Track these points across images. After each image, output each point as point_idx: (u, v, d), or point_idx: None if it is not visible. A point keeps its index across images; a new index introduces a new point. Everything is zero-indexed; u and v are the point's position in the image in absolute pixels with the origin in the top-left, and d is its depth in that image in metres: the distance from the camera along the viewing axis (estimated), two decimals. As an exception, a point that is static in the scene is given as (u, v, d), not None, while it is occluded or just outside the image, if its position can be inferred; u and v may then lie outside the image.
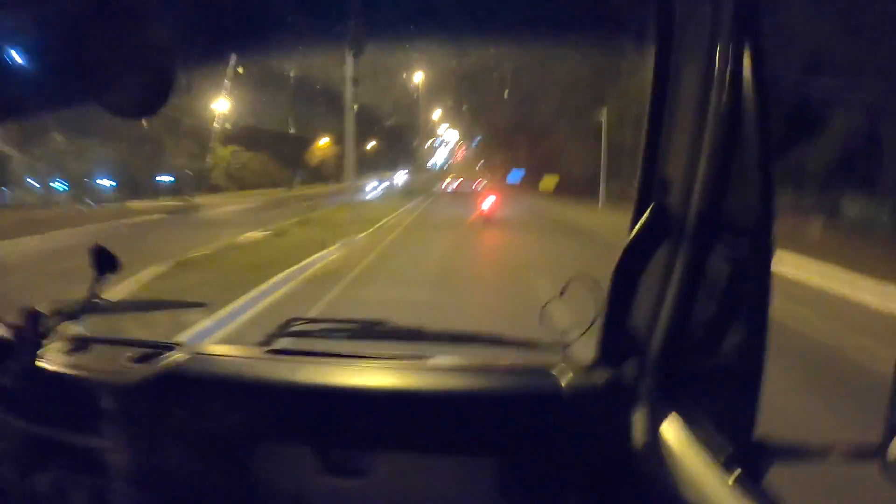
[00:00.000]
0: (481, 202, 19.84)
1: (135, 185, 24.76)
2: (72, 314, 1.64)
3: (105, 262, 1.59)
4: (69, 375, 1.53)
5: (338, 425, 1.45)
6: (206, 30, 1.32)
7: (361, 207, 22.78)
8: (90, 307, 1.65)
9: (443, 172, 52.81)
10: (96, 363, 1.57)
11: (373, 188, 32.71)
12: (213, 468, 1.48)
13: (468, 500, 1.44)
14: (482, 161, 50.40)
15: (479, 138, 51.15)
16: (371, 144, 43.02)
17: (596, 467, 1.38)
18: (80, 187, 23.34)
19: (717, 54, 1.05)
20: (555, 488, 1.40)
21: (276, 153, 33.72)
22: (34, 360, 1.54)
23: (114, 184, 24.69)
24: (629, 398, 1.34)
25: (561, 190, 29.87)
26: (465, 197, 29.90)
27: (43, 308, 1.61)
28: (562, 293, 1.58)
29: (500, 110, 34.42)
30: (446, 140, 56.62)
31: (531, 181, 34.72)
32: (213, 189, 30.57)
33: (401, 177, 47.47)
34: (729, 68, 1.01)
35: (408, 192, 35.97)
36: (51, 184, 22.93)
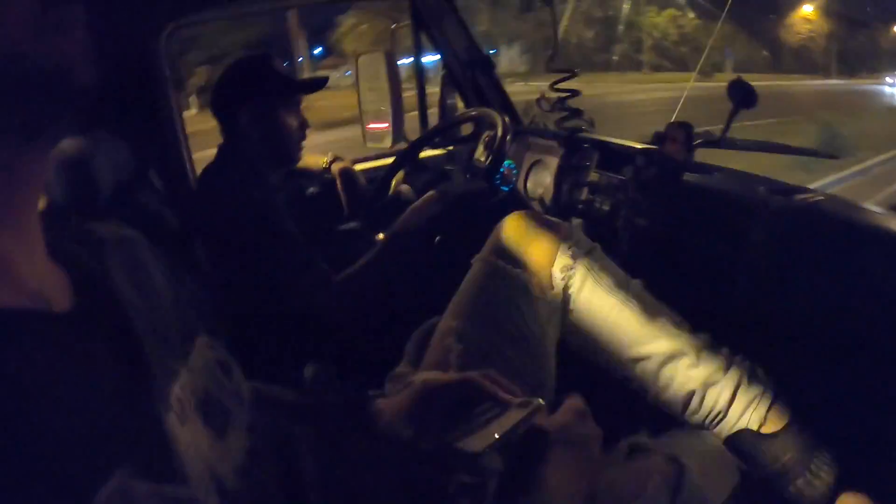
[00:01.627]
0: None
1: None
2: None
3: (742, 96, 1.56)
4: (712, 192, 1.62)
5: None
6: None
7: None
8: (710, 139, 1.72)
9: None
10: (731, 186, 1.64)
11: None
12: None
13: None
14: None
15: None
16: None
17: None
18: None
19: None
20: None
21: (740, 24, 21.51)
22: (679, 175, 1.67)
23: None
24: None
25: None
26: None
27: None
28: None
29: None
30: None
31: None
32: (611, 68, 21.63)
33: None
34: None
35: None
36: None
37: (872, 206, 1.45)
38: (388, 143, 2.48)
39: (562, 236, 1.41)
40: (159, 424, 0.57)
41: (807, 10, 23.18)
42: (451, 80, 2.61)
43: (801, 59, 24.12)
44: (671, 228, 1.63)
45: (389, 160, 2.38)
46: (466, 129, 2.61)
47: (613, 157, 1.88)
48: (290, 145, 1.90)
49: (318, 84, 2.01)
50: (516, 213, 1.49)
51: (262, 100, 1.83)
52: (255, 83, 1.84)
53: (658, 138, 1.69)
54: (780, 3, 23.32)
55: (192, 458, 0.59)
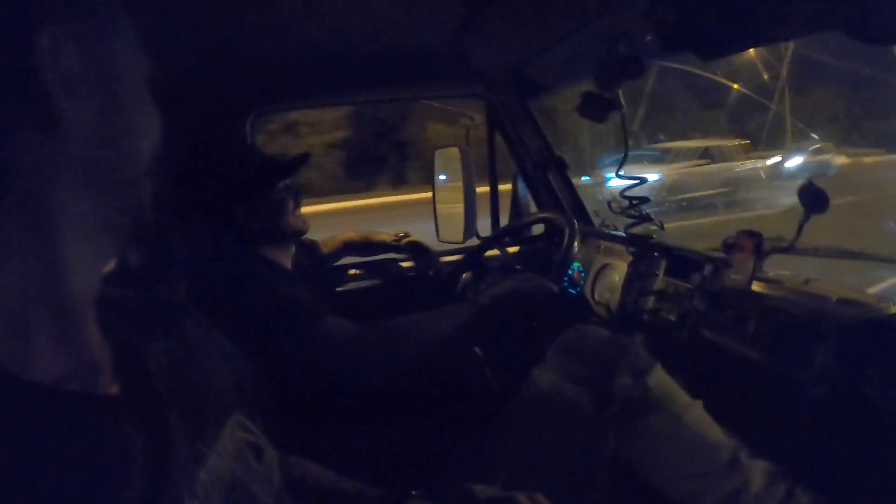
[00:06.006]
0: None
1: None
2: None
3: (813, 201, 1.52)
4: (779, 304, 1.53)
5: None
6: None
7: None
8: (781, 246, 1.67)
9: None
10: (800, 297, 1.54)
11: None
12: None
13: None
14: None
15: None
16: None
17: None
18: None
19: None
20: None
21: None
22: (747, 286, 1.61)
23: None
24: None
25: None
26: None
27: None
28: None
29: None
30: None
31: None
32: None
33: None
34: None
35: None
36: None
37: None
38: (459, 237, 2.50)
39: (622, 354, 1.40)
40: None
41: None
42: (524, 178, 2.66)
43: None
44: (737, 341, 1.58)
45: (458, 256, 2.44)
46: (537, 229, 2.63)
47: (682, 264, 1.86)
48: (286, 222, 1.87)
49: (297, 164, 1.90)
50: (578, 326, 1.48)
51: (246, 189, 1.81)
52: (233, 176, 1.82)
53: (727, 247, 1.66)
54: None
55: None
